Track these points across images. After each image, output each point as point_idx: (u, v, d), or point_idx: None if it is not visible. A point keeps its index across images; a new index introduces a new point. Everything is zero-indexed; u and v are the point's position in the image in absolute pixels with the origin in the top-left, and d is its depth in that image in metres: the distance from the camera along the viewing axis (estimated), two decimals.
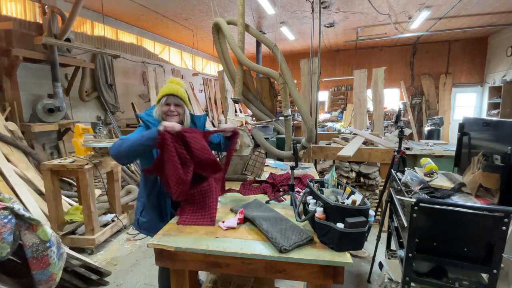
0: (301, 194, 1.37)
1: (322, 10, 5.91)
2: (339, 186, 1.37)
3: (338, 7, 5.93)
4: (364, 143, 3.67)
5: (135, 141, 1.39)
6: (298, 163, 1.86)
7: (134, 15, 6.19)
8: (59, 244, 1.53)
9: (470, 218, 1.19)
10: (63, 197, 3.36)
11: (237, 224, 1.35)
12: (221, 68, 7.36)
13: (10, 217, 1.31)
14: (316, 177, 1.99)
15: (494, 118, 1.81)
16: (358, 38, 8.17)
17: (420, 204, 1.25)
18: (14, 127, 3.65)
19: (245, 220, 1.41)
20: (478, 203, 1.42)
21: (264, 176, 2.17)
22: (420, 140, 6.17)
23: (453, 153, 2.49)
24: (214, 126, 7.83)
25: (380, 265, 2.22)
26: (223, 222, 1.37)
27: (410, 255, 1.29)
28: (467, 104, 9.22)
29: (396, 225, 1.88)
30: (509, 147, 1.31)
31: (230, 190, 1.92)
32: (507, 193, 1.34)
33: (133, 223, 1.86)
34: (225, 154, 1.77)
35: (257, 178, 2.08)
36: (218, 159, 1.67)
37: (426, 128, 6.52)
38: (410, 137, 8.24)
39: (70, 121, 4.45)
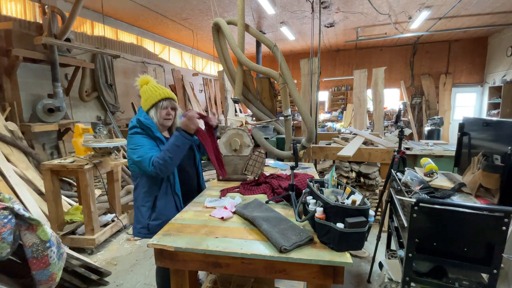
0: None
1: (322, 10, 5.91)
2: (339, 186, 1.37)
3: (338, 7, 5.93)
4: (364, 143, 3.67)
5: (177, 155, 1.56)
6: (298, 163, 1.86)
7: (134, 15, 6.19)
8: (59, 244, 1.53)
9: (470, 218, 1.19)
10: (63, 197, 3.36)
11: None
12: (221, 68, 7.35)
13: (10, 217, 1.31)
14: (316, 177, 1.99)
15: (494, 118, 1.81)
16: (358, 38, 8.17)
17: (420, 204, 1.25)
18: (14, 127, 3.65)
19: (245, 220, 1.41)
20: (478, 203, 1.42)
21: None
22: (420, 140, 6.17)
23: (453, 153, 2.49)
24: None
25: (380, 265, 2.22)
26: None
27: (410, 255, 1.29)
28: (467, 104, 9.22)
29: (396, 225, 1.88)
30: (509, 147, 1.31)
31: (230, 190, 1.92)
32: (507, 193, 1.34)
33: (136, 232, 1.70)
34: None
35: (256, 178, 2.08)
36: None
37: (426, 128, 6.52)
38: (410, 137, 8.24)
39: (70, 121, 4.45)
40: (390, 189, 2.04)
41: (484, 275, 1.34)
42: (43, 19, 4.22)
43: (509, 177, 1.33)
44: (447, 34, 8.19)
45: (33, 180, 3.31)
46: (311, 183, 1.36)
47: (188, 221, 1.44)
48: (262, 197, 1.76)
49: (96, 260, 2.79)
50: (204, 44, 9.10)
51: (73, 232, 3.01)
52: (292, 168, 1.68)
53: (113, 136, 5.46)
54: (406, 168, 1.89)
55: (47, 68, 4.32)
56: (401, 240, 1.68)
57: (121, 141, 3.16)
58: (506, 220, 1.12)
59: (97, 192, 3.89)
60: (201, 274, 2.41)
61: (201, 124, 1.69)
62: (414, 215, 1.26)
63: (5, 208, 1.31)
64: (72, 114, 5.08)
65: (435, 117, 6.36)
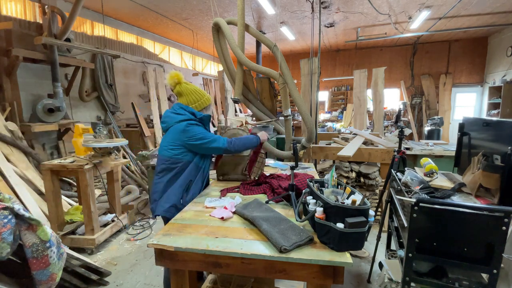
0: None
1: (322, 10, 5.91)
2: (339, 186, 1.37)
3: (338, 7, 5.93)
4: (364, 143, 3.67)
5: (243, 148, 1.98)
6: (298, 163, 1.86)
7: (134, 15, 6.19)
8: (59, 244, 1.53)
9: (470, 218, 1.19)
10: (63, 197, 3.36)
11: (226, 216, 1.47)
12: (221, 68, 7.36)
13: (10, 217, 1.31)
14: (316, 177, 1.99)
15: (494, 118, 1.81)
16: (358, 38, 8.17)
17: (420, 204, 1.25)
18: (14, 127, 3.65)
19: (245, 220, 1.41)
20: (478, 203, 1.42)
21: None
22: (420, 140, 6.17)
23: (453, 153, 2.49)
24: (214, 126, 7.83)
25: (380, 265, 2.22)
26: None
27: (410, 255, 1.29)
28: (467, 104, 9.22)
29: (396, 225, 1.88)
30: (509, 147, 1.31)
31: (230, 190, 1.92)
32: (507, 193, 1.34)
33: (161, 210, 1.77)
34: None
35: (256, 178, 2.08)
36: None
37: (426, 128, 6.52)
38: (410, 137, 8.24)
39: (70, 121, 4.45)
40: (390, 189, 2.04)
41: (484, 275, 1.34)
42: (43, 19, 4.22)
43: (509, 177, 1.33)
44: (447, 34, 8.18)
45: (33, 180, 3.31)
46: (311, 183, 1.36)
47: (188, 221, 1.44)
48: (262, 197, 1.76)
49: (96, 260, 2.79)
50: (204, 44, 9.10)
51: (73, 232, 3.01)
52: (292, 168, 1.68)
53: (113, 136, 5.46)
54: (406, 168, 1.89)
55: (47, 68, 4.32)
56: (401, 240, 1.68)
57: (121, 141, 3.15)
58: (506, 220, 1.12)
59: (97, 192, 3.89)
60: None
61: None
62: (414, 215, 1.26)
63: (5, 208, 1.31)
64: (72, 114, 5.08)
65: (435, 117, 6.35)
